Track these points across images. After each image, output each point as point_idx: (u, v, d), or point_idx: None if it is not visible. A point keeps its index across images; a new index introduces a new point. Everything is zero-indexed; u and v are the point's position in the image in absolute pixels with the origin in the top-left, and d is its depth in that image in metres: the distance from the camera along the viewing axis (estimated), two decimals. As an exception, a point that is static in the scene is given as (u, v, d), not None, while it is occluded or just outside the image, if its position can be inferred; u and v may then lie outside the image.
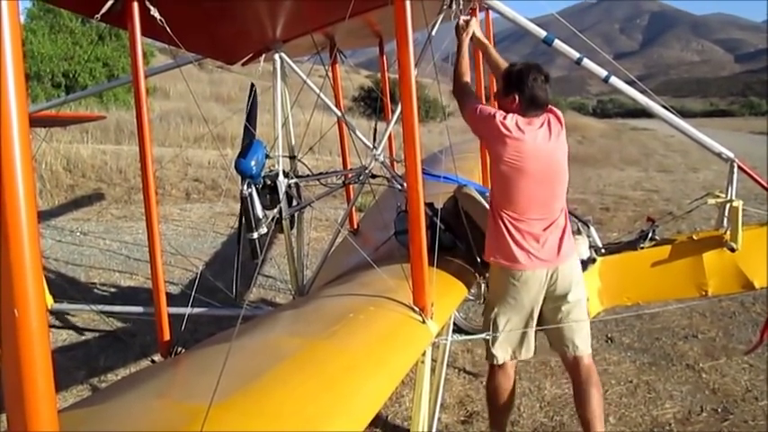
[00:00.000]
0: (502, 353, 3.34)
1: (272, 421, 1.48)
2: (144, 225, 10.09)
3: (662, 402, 4.41)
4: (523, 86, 3.15)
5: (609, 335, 5.53)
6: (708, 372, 4.90)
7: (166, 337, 2.70)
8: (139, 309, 5.48)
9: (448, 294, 2.83)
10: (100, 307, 5.67)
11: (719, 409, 4.31)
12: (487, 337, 3.37)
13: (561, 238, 3.22)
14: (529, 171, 3.09)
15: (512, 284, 3.20)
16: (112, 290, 7.09)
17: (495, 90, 3.40)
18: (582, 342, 3.34)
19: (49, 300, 5.17)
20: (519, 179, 3.10)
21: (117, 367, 4.99)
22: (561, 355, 3.44)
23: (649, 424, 4.13)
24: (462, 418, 4.24)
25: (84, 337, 5.66)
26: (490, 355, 3.39)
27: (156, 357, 2.83)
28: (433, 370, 3.05)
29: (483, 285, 3.91)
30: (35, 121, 6.45)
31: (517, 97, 3.17)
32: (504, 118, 3.12)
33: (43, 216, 10.23)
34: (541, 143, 3.15)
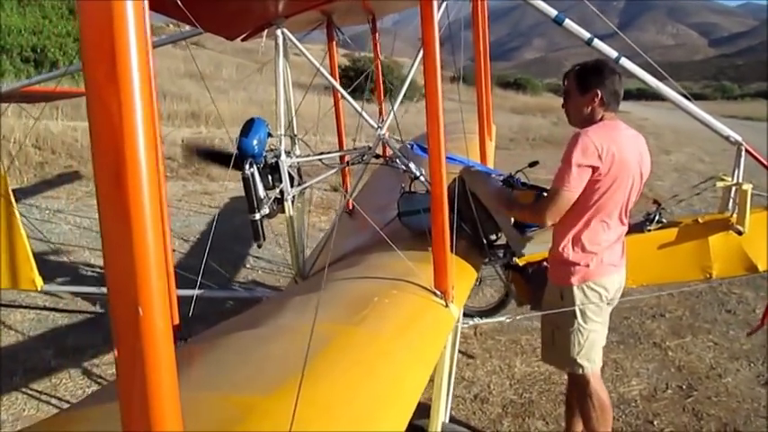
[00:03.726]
0: (588, 363, 3.17)
1: (324, 412, 1.42)
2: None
3: (628, 380, 4.51)
4: (605, 80, 3.02)
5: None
6: (674, 350, 5.01)
7: (175, 321, 2.59)
8: None
9: (461, 278, 2.75)
10: (93, 289, 5.58)
11: (684, 386, 4.42)
12: (508, 320, 3.29)
13: (623, 243, 3.20)
14: (620, 178, 2.96)
15: (593, 292, 3.09)
16: (83, 268, 7.00)
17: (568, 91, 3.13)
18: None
19: (39, 281, 5.10)
20: (610, 188, 2.96)
21: (86, 347, 4.94)
22: None
23: (616, 401, 4.21)
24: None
25: (51, 316, 5.59)
26: (577, 367, 3.18)
27: None
28: None
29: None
30: (27, 97, 6.27)
31: (600, 93, 3.01)
32: (585, 155, 2.88)
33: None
34: (630, 147, 3.02)
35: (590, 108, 3.05)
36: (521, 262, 3.55)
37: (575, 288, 3.07)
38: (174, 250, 7.68)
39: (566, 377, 3.61)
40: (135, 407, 0.92)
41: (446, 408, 3.29)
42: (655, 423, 3.98)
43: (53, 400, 4.22)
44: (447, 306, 2.25)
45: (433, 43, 2.16)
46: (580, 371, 3.18)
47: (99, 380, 4.50)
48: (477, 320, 4.53)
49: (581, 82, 3.08)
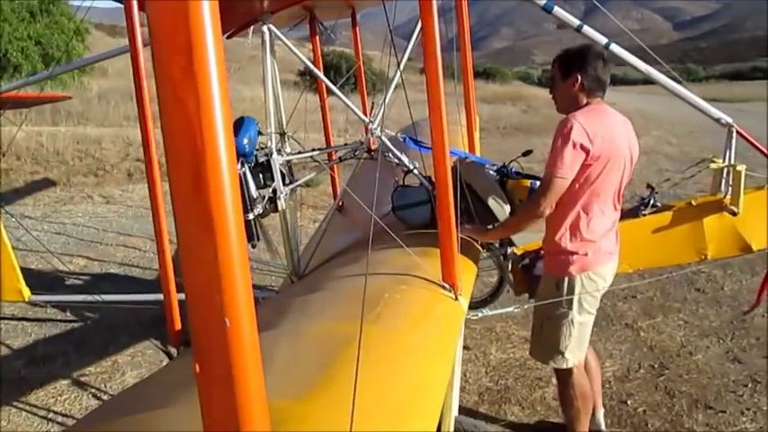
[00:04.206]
0: (573, 356, 3.13)
1: (359, 414, 1.36)
2: (85, 208, 9.82)
3: (602, 361, 4.55)
4: (586, 66, 2.92)
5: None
6: (646, 330, 5.10)
7: (177, 326, 2.59)
8: (129, 297, 5.26)
9: (464, 270, 2.66)
10: (81, 297, 5.47)
11: (656, 365, 4.50)
12: (516, 310, 3.25)
13: (617, 230, 3.13)
14: (611, 161, 2.88)
15: (591, 281, 3.03)
16: (55, 275, 6.88)
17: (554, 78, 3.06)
18: None
19: (26, 291, 5.00)
20: (602, 172, 2.89)
21: (56, 355, 4.87)
22: None
23: (590, 383, 4.28)
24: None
25: (20, 325, 5.49)
26: (562, 361, 3.14)
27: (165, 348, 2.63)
28: None
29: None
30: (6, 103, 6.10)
31: (579, 77, 2.93)
32: (575, 138, 2.78)
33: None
34: (619, 130, 2.96)
35: (571, 93, 2.99)
36: (518, 251, 3.56)
37: (573, 278, 3.01)
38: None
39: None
40: (220, 417, 0.88)
41: (456, 401, 3.27)
42: (628, 403, 4.04)
43: (26, 408, 4.16)
44: (456, 299, 2.23)
45: (434, 35, 2.12)
46: (564, 365, 3.15)
47: (70, 389, 4.43)
48: (486, 312, 4.50)
49: (563, 67, 3.02)
